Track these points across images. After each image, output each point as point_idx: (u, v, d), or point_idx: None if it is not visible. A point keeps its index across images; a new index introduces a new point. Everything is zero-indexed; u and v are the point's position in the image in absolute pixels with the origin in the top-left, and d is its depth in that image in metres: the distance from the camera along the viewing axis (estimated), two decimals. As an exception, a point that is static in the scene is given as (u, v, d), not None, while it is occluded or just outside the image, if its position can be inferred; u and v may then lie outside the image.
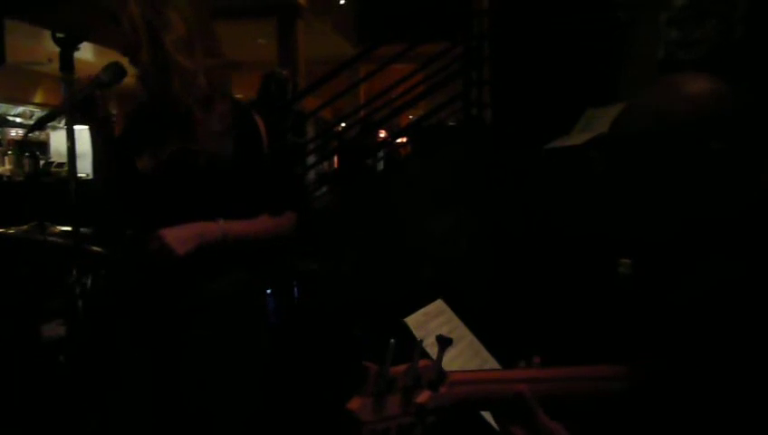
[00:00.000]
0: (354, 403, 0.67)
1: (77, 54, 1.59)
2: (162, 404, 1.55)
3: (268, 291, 1.95)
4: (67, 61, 1.56)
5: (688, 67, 1.94)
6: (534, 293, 2.59)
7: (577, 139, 2.39)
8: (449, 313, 1.24)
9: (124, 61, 1.54)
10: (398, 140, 6.85)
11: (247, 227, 1.55)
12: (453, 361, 1.14)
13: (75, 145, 1.63)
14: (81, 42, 1.56)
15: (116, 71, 1.53)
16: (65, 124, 1.61)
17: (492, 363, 1.26)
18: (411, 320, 1.13)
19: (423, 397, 0.74)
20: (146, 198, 1.60)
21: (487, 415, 1.11)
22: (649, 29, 2.34)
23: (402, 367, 0.75)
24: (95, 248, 2.25)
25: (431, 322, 1.16)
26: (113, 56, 1.57)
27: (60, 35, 1.54)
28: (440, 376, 0.79)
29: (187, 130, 1.54)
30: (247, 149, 1.56)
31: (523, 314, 2.59)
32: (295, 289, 2.33)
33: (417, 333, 1.10)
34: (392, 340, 0.69)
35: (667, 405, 0.86)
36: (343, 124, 7.49)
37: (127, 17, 1.48)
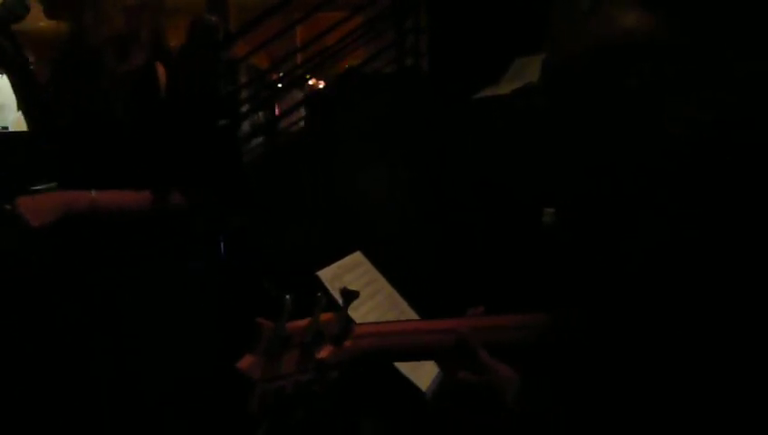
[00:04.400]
0: (244, 362, 0.64)
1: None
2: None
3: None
4: None
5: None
6: (467, 245, 2.62)
7: (505, 87, 2.38)
8: (367, 265, 1.21)
9: None
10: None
11: (124, 197, 1.43)
12: (369, 313, 1.13)
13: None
14: None
15: (14, 5, 1.39)
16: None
17: (410, 316, 1.25)
18: (325, 273, 1.10)
19: (323, 352, 0.72)
20: (55, 148, 1.50)
21: (402, 366, 1.10)
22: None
23: (303, 322, 0.73)
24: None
25: (346, 275, 1.13)
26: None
27: None
28: (344, 330, 0.77)
29: (94, 76, 1.42)
30: (138, 106, 1.43)
31: (455, 267, 2.62)
32: (222, 245, 2.27)
33: (332, 287, 1.08)
34: (287, 296, 0.67)
35: (585, 353, 0.86)
36: (281, 74, 7.25)
37: None
